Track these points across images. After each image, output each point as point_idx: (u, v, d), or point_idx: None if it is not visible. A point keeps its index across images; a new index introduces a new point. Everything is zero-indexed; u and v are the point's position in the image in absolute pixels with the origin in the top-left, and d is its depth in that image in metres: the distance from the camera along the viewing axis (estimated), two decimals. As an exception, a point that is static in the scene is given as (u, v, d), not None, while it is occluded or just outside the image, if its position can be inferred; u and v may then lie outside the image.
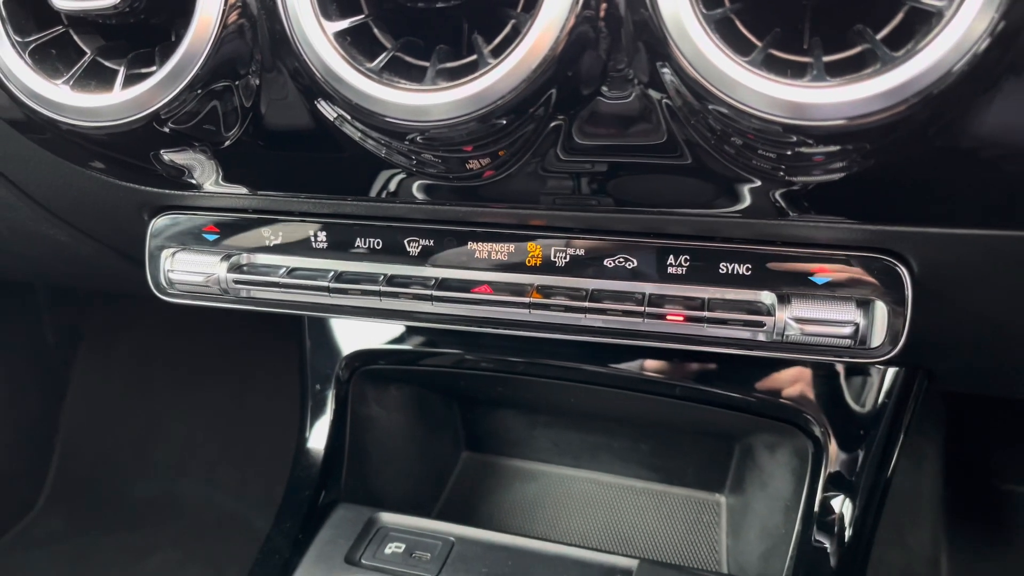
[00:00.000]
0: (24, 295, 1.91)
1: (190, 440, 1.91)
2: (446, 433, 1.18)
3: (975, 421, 1.57)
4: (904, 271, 0.63)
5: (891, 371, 0.85)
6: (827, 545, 0.82)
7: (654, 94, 0.53)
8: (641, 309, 0.68)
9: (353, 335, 0.99)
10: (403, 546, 0.90)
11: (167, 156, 0.66)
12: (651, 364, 0.89)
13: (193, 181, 0.71)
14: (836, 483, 0.84)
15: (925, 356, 0.80)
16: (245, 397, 1.89)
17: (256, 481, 1.85)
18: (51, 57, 0.62)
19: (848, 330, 0.63)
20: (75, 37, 0.63)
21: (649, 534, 1.06)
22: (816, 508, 0.84)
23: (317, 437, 0.99)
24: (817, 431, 0.85)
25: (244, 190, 0.71)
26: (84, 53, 0.63)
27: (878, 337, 0.64)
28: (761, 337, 0.64)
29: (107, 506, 1.89)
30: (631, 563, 0.86)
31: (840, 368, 0.85)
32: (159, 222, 0.80)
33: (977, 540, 1.62)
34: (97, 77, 0.62)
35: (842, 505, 0.83)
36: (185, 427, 1.91)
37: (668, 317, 0.67)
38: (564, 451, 1.15)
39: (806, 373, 0.86)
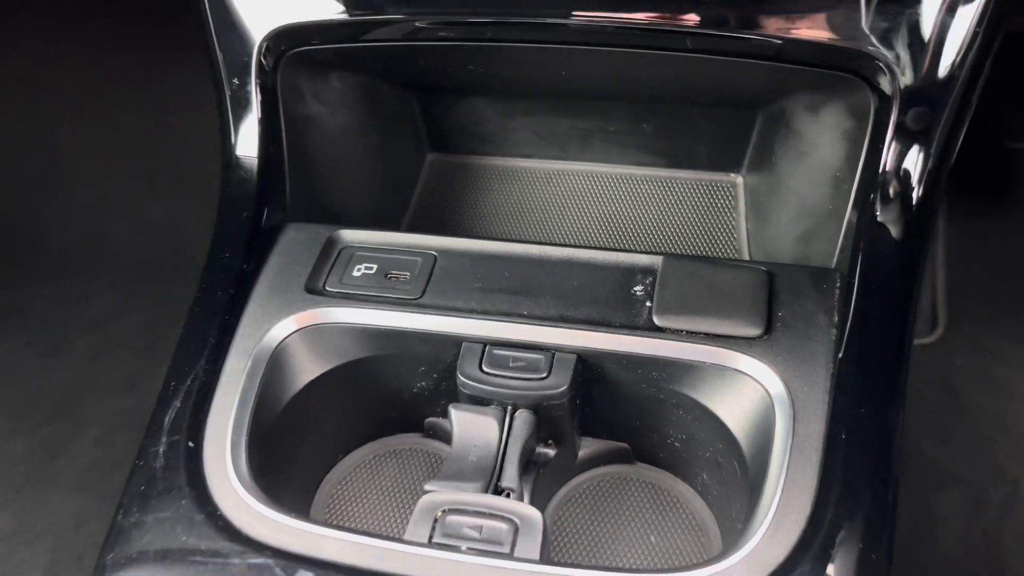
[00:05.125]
0: None
1: (105, 174, 1.69)
2: (404, 132, 0.98)
3: (990, 83, 1.44)
4: None
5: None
6: (896, 210, 0.68)
7: None
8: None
9: (272, 5, 0.75)
10: (375, 266, 0.74)
11: None
12: (661, 4, 0.68)
13: None
14: (907, 138, 0.68)
15: None
16: (164, 118, 1.65)
17: (189, 213, 1.67)
18: None
19: None
20: None
21: (658, 228, 0.92)
22: (881, 171, 0.68)
23: (245, 145, 0.78)
24: (884, 81, 0.67)
25: None
26: None
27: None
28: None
29: (30, 257, 1.72)
30: (654, 260, 0.71)
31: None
32: None
33: (979, 202, 1.57)
34: None
35: (915, 163, 0.67)
36: (97, 158, 1.68)
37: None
38: (549, 142, 0.97)
39: (873, 5, 0.66)
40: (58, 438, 1.45)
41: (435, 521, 0.59)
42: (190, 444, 0.63)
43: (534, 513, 0.58)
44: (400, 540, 0.57)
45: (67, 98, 1.72)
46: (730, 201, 0.93)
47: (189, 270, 1.62)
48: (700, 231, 0.91)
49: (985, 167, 1.53)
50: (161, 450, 0.63)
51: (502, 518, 0.58)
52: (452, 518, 0.59)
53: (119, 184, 1.72)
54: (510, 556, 0.56)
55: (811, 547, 0.54)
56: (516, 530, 0.58)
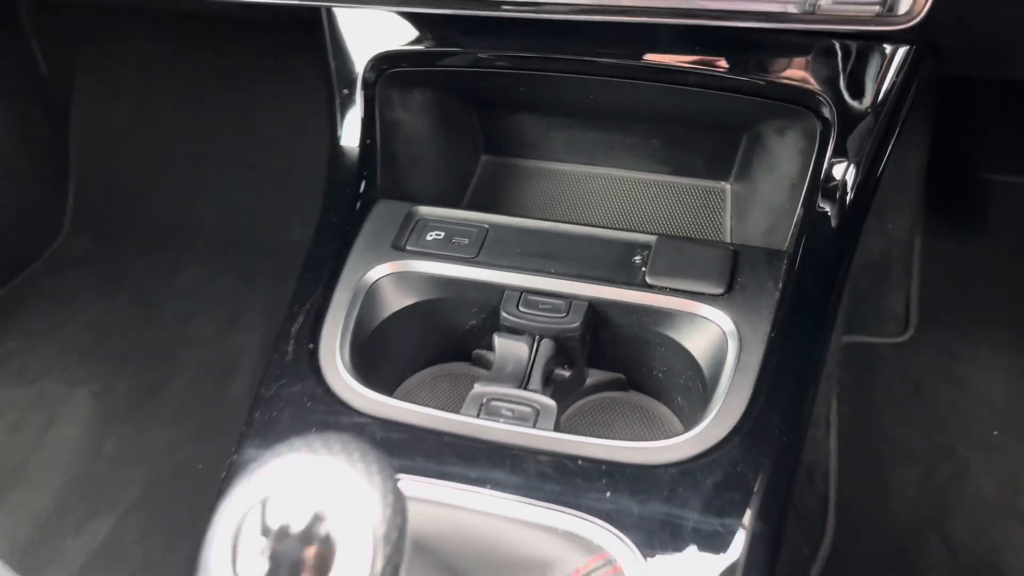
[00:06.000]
0: (3, 26, 1.86)
1: (202, 163, 1.96)
2: (466, 137, 1.23)
3: (963, 114, 1.64)
4: None
5: (900, 51, 0.89)
6: (830, 209, 0.92)
7: None
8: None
9: (376, 37, 1.01)
10: (442, 234, 0.98)
11: None
12: (668, 50, 0.93)
13: None
14: (841, 157, 0.92)
15: (943, 27, 0.83)
16: (252, 118, 1.92)
17: (268, 201, 1.94)
18: None
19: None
20: None
21: (660, 219, 1.15)
22: (821, 179, 0.92)
23: (349, 137, 1.04)
24: (826, 111, 0.91)
25: None
26: None
27: (905, 4, 0.67)
28: (792, 8, 0.68)
29: (128, 231, 1.98)
30: (650, 239, 0.96)
31: (852, 50, 0.88)
32: None
33: (951, 225, 1.75)
34: None
35: (845, 172, 0.91)
36: (195, 150, 1.95)
37: (705, -8, 0.69)
38: (579, 150, 1.21)
39: (819, 56, 0.90)
40: (155, 382, 1.69)
41: (481, 405, 0.83)
42: (310, 346, 0.88)
43: (550, 402, 0.83)
44: (457, 414, 0.82)
45: (172, 96, 1.98)
46: (719, 203, 1.16)
47: (265, 249, 1.90)
48: (694, 224, 1.15)
49: (959, 194, 1.74)
50: (290, 348, 0.88)
51: (528, 404, 0.83)
52: (493, 403, 0.83)
53: (211, 173, 1.95)
54: (532, 427, 0.80)
55: (741, 431, 0.78)
56: (537, 413, 0.82)
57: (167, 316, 1.80)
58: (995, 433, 1.50)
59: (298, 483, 0.44)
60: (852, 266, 1.66)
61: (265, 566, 0.42)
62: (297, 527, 0.42)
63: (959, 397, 1.56)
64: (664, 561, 0.69)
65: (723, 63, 0.93)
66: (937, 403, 1.55)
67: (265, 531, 0.43)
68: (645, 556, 0.69)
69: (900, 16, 0.68)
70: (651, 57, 0.95)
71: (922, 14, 0.67)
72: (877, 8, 0.67)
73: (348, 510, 0.43)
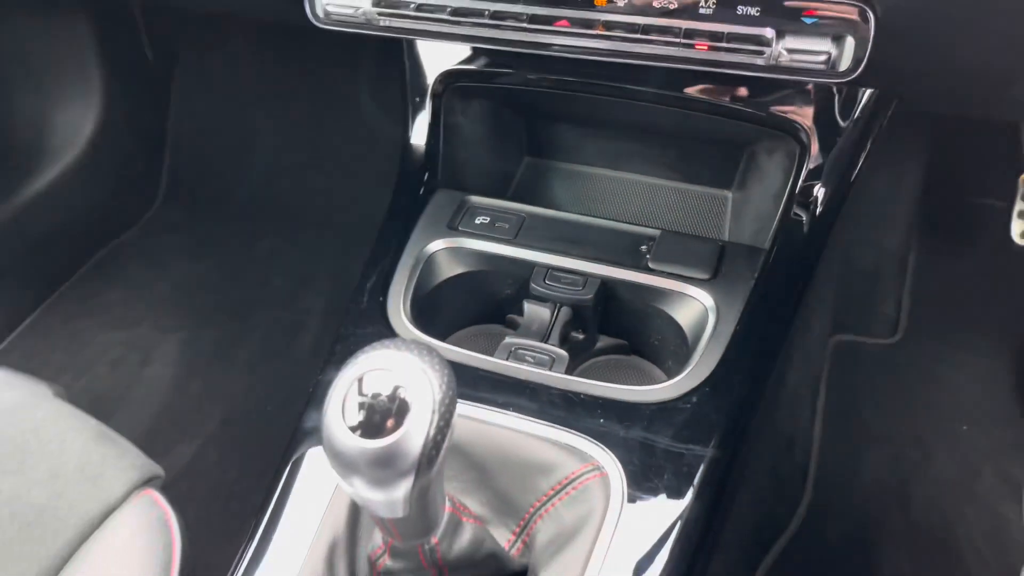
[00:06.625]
0: (119, 18, 2.13)
1: (281, 150, 2.22)
2: (513, 141, 1.46)
3: (958, 143, 1.83)
4: (871, 14, 0.87)
5: (868, 92, 1.11)
6: (803, 217, 1.14)
7: None
8: (678, 40, 0.93)
9: (445, 58, 1.25)
10: (488, 218, 1.22)
11: None
12: (682, 83, 1.16)
13: None
14: (813, 175, 1.14)
15: (890, 81, 1.05)
16: (325, 115, 2.18)
17: (339, 184, 2.19)
18: None
19: (823, 57, 0.88)
20: None
21: (670, 219, 1.38)
22: (797, 192, 1.14)
23: (418, 136, 1.28)
24: (803, 136, 1.13)
25: None
26: None
27: (845, 63, 0.90)
28: (759, 61, 0.90)
29: (215, 203, 2.25)
30: (655, 232, 1.19)
31: (825, 90, 1.10)
32: None
33: (943, 244, 1.94)
34: None
35: (816, 188, 1.13)
36: (276, 138, 2.22)
37: (696, 46, 0.92)
38: (606, 156, 1.44)
39: (801, 94, 1.11)
40: (234, 334, 1.95)
41: (510, 352, 1.07)
42: (380, 299, 1.12)
43: (564, 353, 1.06)
44: (491, 357, 1.06)
45: (259, 91, 2.25)
46: (721, 208, 1.38)
47: (332, 225, 2.15)
48: (698, 225, 1.37)
49: (950, 216, 1.92)
50: (365, 299, 1.13)
51: (546, 354, 1.06)
52: (519, 351, 1.07)
53: (289, 158, 2.20)
54: (548, 370, 1.04)
55: (710, 382, 1.00)
56: (553, 360, 1.06)
57: (246, 279, 2.07)
58: (964, 428, 1.69)
59: (384, 365, 0.68)
60: (849, 273, 1.87)
61: (362, 415, 0.66)
62: (383, 392, 0.66)
63: (935, 394, 1.75)
64: (638, 471, 0.92)
65: (726, 95, 1.15)
66: (915, 398, 1.74)
67: (362, 394, 0.67)
68: (624, 467, 0.92)
69: (841, 72, 0.90)
70: (668, 88, 1.18)
71: (858, 71, 0.89)
72: (823, 66, 0.89)
73: (417, 384, 0.67)
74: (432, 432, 0.66)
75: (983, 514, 1.54)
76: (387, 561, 0.81)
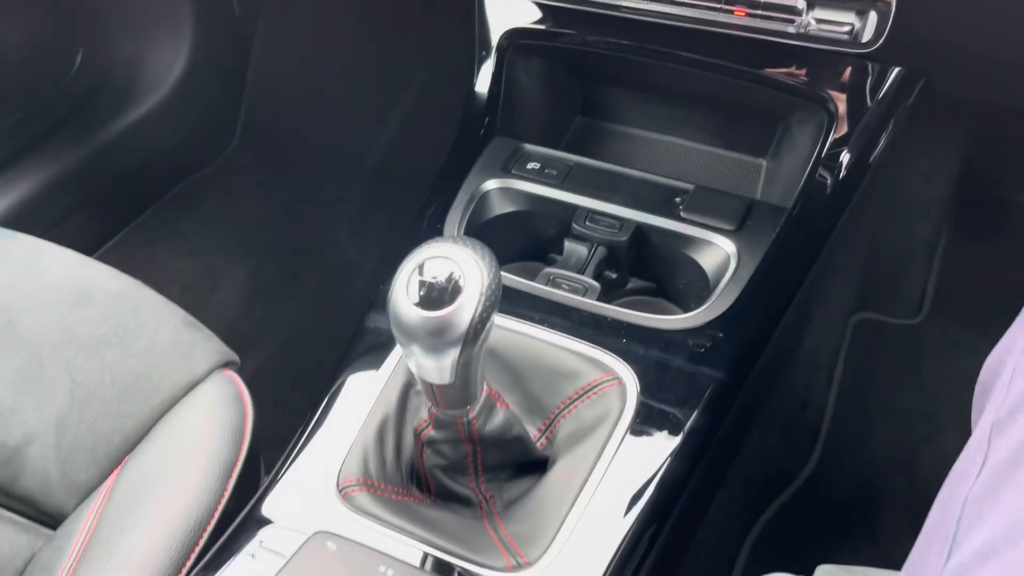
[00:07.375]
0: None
1: (350, 104, 2.37)
2: (566, 101, 1.58)
3: (999, 137, 1.89)
4: None
5: (895, 71, 1.21)
6: (827, 179, 1.24)
7: None
8: (720, 6, 1.05)
9: (512, 15, 1.38)
10: (539, 164, 1.35)
11: None
12: (724, 52, 1.27)
13: None
14: (839, 142, 1.24)
15: (914, 58, 1.14)
16: (395, 68, 2.31)
17: (405, 139, 2.33)
18: None
19: (847, 28, 0.99)
20: None
21: (706, 179, 1.48)
22: (823, 157, 1.25)
23: (482, 86, 1.41)
24: (831, 107, 1.23)
25: None
26: None
27: (867, 34, 1.00)
28: (791, 29, 1.01)
29: (284, 151, 2.41)
30: (689, 186, 1.30)
31: (863, 68, 1.20)
32: None
33: (974, 235, 2.01)
34: None
35: (840, 155, 1.23)
36: (348, 92, 2.37)
37: (736, 12, 1.04)
38: (654, 120, 1.55)
39: (834, 67, 1.22)
40: (296, 270, 2.10)
41: (549, 279, 1.20)
42: (438, 226, 1.26)
43: (596, 284, 1.19)
44: (532, 282, 1.19)
45: (336, 47, 2.41)
46: (755, 174, 1.47)
47: (392, 176, 2.29)
48: (731, 188, 1.48)
49: (984, 209, 1.99)
50: (424, 225, 1.27)
51: (581, 283, 1.19)
52: (557, 279, 1.20)
53: (358, 113, 2.35)
54: (582, 296, 1.17)
55: (723, 317, 1.12)
56: (586, 289, 1.18)
57: (309, 221, 2.23)
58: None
59: (444, 254, 0.81)
60: (878, 256, 1.96)
61: (423, 292, 0.80)
62: (440, 276, 0.80)
63: (952, 375, 1.82)
64: (652, 383, 1.04)
65: (767, 66, 1.26)
66: (930, 378, 1.83)
67: (423, 275, 0.80)
68: (640, 379, 1.04)
69: (864, 42, 1.00)
70: (713, 56, 1.29)
71: (879, 42, 0.99)
72: (847, 36, 0.99)
73: (469, 271, 0.80)
74: (479, 311, 0.79)
75: None
76: (431, 432, 0.94)
